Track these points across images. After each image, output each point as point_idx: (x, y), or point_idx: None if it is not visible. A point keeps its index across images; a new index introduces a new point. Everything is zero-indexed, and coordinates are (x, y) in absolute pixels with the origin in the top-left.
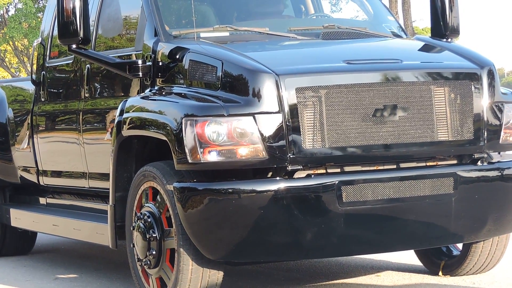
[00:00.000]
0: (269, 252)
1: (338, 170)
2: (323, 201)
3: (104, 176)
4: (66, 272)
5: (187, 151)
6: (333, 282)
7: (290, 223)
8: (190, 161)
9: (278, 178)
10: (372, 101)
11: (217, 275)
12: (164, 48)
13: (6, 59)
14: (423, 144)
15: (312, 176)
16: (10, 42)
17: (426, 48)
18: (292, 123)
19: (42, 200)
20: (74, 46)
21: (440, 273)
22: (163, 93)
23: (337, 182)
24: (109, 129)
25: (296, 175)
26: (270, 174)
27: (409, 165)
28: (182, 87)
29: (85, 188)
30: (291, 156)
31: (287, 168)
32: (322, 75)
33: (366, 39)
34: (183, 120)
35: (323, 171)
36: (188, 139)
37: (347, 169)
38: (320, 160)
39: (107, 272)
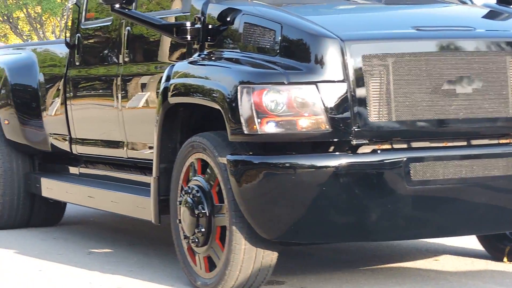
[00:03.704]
0: (329, 233)
1: (405, 145)
2: (390, 179)
3: (144, 146)
4: (99, 246)
5: (242, 121)
6: (388, 265)
7: (354, 203)
8: (246, 132)
9: (340, 153)
10: (443, 72)
11: (272, 256)
12: (214, 10)
13: (19, 26)
14: (496, 120)
15: (379, 151)
16: (24, 9)
17: (497, 15)
18: (357, 94)
19: (73, 170)
20: (117, 5)
21: (505, 259)
22: (213, 58)
23: (405, 159)
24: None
25: (360, 150)
26: (331, 148)
27: (480, 142)
28: (235, 51)
29: (123, 158)
30: (355, 129)
31: (351, 142)
32: (390, 42)
33: (432, 5)
34: (238, 88)
35: (388, 146)
36: (244, 109)
37: (414, 145)
38: (386, 135)
39: (143, 247)
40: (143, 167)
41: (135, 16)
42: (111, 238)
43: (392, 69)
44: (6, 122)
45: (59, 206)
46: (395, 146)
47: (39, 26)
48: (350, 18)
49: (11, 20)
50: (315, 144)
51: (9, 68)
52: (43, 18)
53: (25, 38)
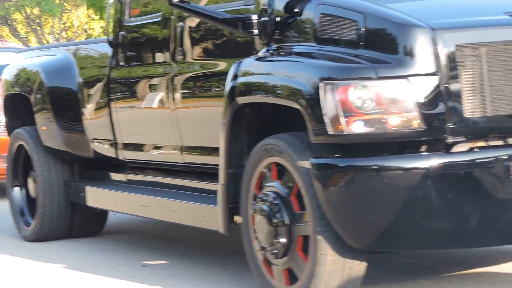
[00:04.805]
0: (424, 240)
1: (502, 142)
2: (490, 180)
3: (203, 150)
4: (151, 257)
5: (327, 121)
6: (473, 271)
7: (451, 207)
8: (330, 132)
9: (434, 152)
10: None
11: (359, 267)
12: (282, 1)
13: (18, 28)
14: None
15: (476, 150)
16: (22, 11)
17: None
18: (451, 87)
19: (119, 177)
20: None
21: None
22: (284, 53)
23: (506, 156)
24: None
25: (454, 149)
26: (424, 147)
27: None
28: (308, 45)
29: (178, 163)
30: (450, 126)
31: (447, 141)
32: (484, 30)
33: None
34: (320, 85)
35: (483, 143)
36: (328, 107)
37: (510, 141)
38: (483, 131)
39: (199, 257)
40: (199, 172)
41: (195, 10)
42: (161, 248)
43: (487, 59)
44: (44, 128)
45: (101, 215)
46: (491, 143)
47: (38, 27)
48: (434, 5)
49: (9, 22)
50: (403, 143)
51: (44, 70)
52: (42, 19)
53: (23, 40)
